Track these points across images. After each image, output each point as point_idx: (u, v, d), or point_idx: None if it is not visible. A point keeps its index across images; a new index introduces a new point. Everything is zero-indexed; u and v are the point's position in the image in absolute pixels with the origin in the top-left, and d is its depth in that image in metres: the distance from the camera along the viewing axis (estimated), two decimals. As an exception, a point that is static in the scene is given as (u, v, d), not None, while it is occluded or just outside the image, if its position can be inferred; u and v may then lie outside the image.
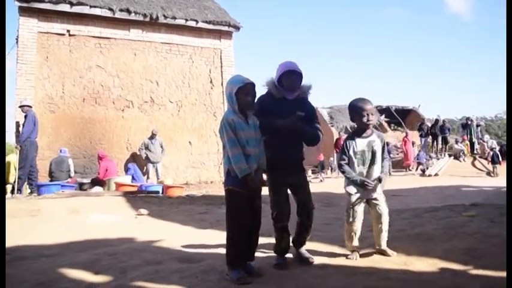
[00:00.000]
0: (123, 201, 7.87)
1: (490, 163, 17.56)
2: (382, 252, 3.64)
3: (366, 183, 3.46)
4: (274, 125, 3.40)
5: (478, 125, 22.10)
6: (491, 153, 17.54)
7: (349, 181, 3.58)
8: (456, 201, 7.75)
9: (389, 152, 16.54)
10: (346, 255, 3.65)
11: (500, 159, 17.30)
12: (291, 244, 3.61)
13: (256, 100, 3.47)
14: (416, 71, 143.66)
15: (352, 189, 3.59)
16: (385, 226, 3.59)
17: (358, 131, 3.62)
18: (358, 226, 3.56)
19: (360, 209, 3.58)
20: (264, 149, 3.43)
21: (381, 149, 3.60)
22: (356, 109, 3.57)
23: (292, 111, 3.46)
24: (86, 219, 6.30)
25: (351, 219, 3.54)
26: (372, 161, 3.55)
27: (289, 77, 3.50)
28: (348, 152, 3.58)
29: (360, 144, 3.55)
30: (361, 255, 3.62)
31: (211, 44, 13.37)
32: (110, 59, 11.90)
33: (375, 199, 3.59)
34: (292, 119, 3.40)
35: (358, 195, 3.57)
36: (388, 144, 18.39)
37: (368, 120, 3.50)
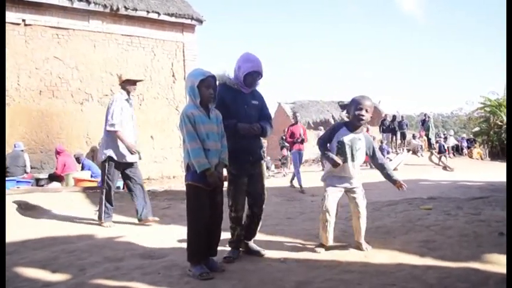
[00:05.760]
0: (83, 197, 7.68)
1: (437, 152, 19.06)
2: (358, 246, 3.71)
3: (335, 161, 3.49)
4: (235, 128, 3.47)
5: (423, 121, 23.05)
6: (438, 144, 19.09)
7: (325, 157, 3.62)
8: (414, 194, 7.97)
9: (382, 151, 17.23)
10: (310, 249, 3.71)
11: (447, 149, 19.09)
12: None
13: None
14: (378, 68, 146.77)
15: (329, 180, 3.66)
16: (362, 220, 3.66)
17: (349, 124, 3.65)
18: (331, 215, 3.59)
19: (334, 199, 3.62)
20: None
21: (363, 149, 3.66)
22: (354, 102, 3.60)
23: (247, 102, 3.58)
24: (43, 216, 6.11)
25: (324, 208, 3.58)
26: (350, 157, 3.59)
27: (256, 78, 3.61)
28: (332, 138, 3.63)
29: (346, 136, 3.59)
30: (326, 249, 3.67)
31: (174, 37, 13.16)
32: (68, 51, 11.50)
33: (353, 191, 3.66)
34: (252, 126, 3.50)
35: (333, 187, 3.63)
36: (382, 142, 19.25)
37: (360, 115, 3.54)
